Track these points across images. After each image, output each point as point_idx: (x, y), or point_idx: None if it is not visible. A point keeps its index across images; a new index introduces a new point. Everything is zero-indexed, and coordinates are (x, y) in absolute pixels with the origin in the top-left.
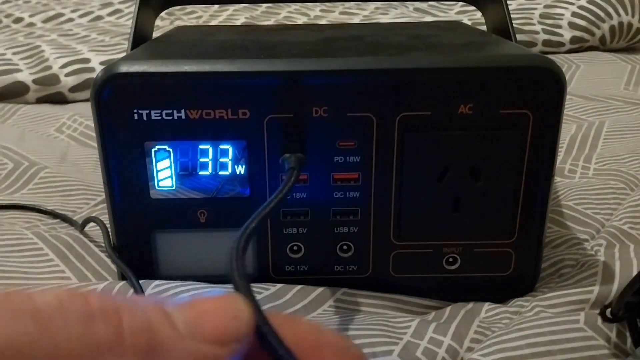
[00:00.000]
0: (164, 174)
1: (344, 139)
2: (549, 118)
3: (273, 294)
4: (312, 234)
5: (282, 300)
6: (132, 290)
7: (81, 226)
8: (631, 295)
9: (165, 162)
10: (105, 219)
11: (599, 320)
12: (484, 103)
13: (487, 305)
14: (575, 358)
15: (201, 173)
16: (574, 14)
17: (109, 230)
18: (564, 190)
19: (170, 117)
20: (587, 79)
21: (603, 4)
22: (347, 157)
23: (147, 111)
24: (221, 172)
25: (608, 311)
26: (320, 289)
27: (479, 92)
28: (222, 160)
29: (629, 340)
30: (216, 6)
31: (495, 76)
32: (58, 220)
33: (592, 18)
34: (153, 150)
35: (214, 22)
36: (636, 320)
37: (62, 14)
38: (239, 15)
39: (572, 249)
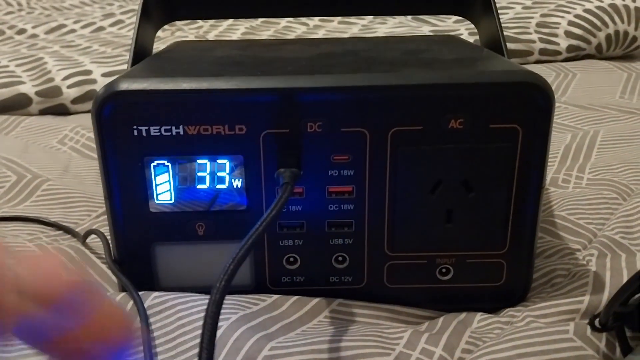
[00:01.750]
0: (163, 187)
1: (338, 153)
2: (538, 132)
3: (269, 305)
4: (307, 246)
5: (278, 311)
6: (131, 302)
7: (83, 238)
8: (619, 305)
9: (164, 177)
10: (107, 230)
11: (589, 330)
12: (474, 118)
13: (479, 316)
14: None
15: (199, 187)
16: (570, 23)
17: (110, 242)
18: (557, 200)
19: (169, 133)
20: (583, 88)
21: (599, 12)
22: (342, 171)
23: (147, 127)
24: (219, 186)
25: (597, 321)
26: (315, 300)
27: (469, 107)
28: (219, 174)
29: (617, 350)
30: None
31: (485, 92)
32: (60, 232)
33: (589, 27)
34: (152, 165)
35: (214, 32)
36: (624, 330)
37: (64, 25)
38: (239, 26)
39: (564, 259)
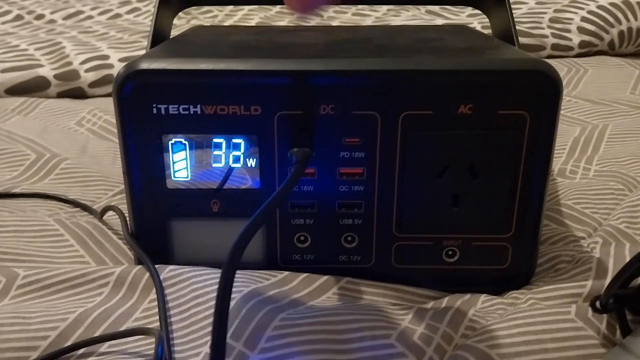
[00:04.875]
0: (180, 165)
1: (349, 135)
2: (545, 119)
3: (280, 281)
4: (318, 225)
5: (288, 287)
6: (147, 274)
7: (100, 214)
8: (618, 287)
9: (181, 154)
10: (123, 208)
11: (590, 312)
12: (483, 104)
13: (483, 297)
14: (565, 347)
15: (215, 165)
16: (583, 19)
17: (127, 218)
18: (564, 189)
19: (187, 112)
20: (594, 83)
21: (612, 9)
22: (353, 153)
23: (165, 106)
24: (233, 165)
25: (597, 303)
26: (324, 277)
27: (478, 94)
28: (234, 153)
29: (618, 332)
30: (232, 6)
31: (494, 79)
32: (78, 208)
33: (602, 23)
34: (170, 142)
35: (229, 21)
36: (625, 312)
37: (82, 12)
38: (253, 15)
39: (568, 245)
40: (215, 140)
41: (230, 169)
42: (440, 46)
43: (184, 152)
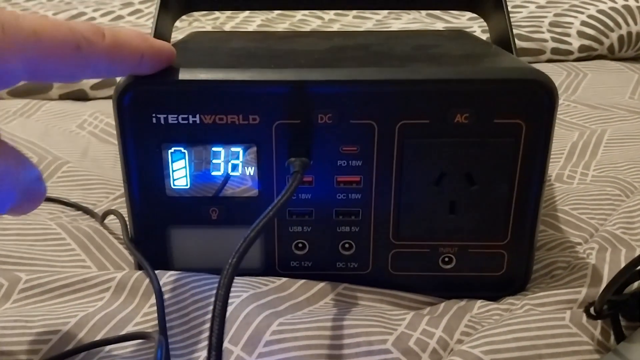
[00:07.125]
0: (179, 173)
1: (347, 144)
2: (541, 128)
3: (278, 287)
4: (316, 233)
5: (286, 293)
6: (147, 280)
7: (101, 218)
8: (612, 293)
9: (181, 163)
10: (124, 212)
11: (584, 318)
12: (480, 113)
13: (479, 303)
14: (559, 352)
15: (214, 173)
16: (583, 23)
17: (127, 223)
18: (561, 195)
19: (186, 122)
20: (593, 87)
21: (612, 13)
22: (350, 162)
23: (165, 115)
24: (232, 173)
25: (592, 309)
26: (322, 284)
27: (474, 103)
28: (233, 162)
29: (612, 338)
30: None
31: (491, 88)
32: (80, 212)
33: (601, 27)
34: (169, 151)
35: (230, 24)
36: (619, 318)
37: (84, 13)
38: (255, 18)
39: (565, 251)
40: (214, 149)
41: (227, 177)
42: (437, 54)
43: (183, 160)
